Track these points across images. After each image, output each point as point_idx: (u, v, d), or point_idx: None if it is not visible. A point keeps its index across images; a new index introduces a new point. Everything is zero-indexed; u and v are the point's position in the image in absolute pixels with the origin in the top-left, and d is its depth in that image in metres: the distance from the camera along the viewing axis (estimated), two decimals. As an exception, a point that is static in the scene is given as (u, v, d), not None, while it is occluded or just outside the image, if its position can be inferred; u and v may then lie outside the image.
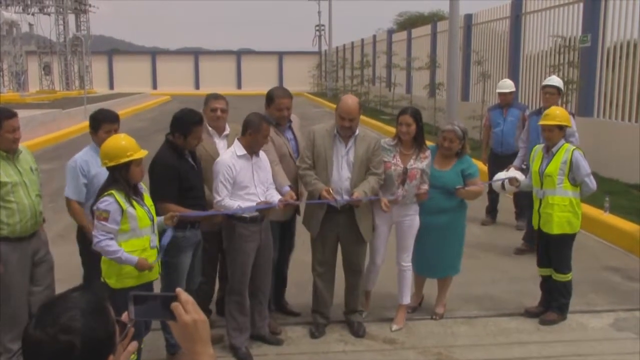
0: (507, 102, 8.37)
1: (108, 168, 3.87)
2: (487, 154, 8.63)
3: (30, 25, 38.41)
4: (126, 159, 3.81)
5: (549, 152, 5.46)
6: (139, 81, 49.33)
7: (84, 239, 4.49)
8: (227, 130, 5.10)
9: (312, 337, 5.14)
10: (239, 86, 51.75)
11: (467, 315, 5.61)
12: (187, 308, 1.63)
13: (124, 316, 1.63)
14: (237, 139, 4.68)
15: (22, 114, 20.74)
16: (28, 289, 4.41)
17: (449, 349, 4.98)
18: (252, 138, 4.58)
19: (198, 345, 1.63)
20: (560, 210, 5.32)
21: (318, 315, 5.25)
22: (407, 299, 5.46)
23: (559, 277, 5.45)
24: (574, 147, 5.47)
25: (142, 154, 3.89)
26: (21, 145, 4.43)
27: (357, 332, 5.19)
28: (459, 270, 5.62)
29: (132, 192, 3.90)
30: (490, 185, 6.50)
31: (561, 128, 5.41)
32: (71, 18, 40.42)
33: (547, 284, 5.59)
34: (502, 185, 5.75)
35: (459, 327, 5.38)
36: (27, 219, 4.28)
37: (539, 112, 7.09)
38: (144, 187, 4.11)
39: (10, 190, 4.19)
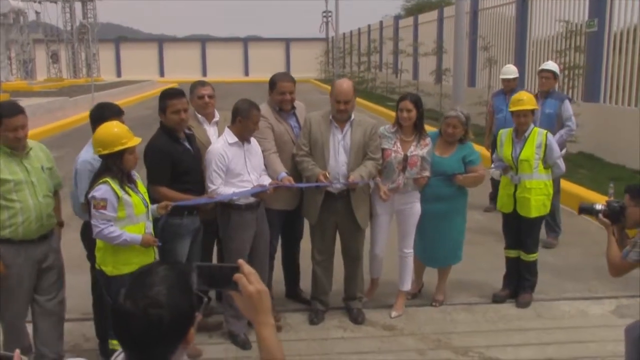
0: (510, 88, 8.30)
1: (101, 156, 3.85)
2: (490, 140, 8.58)
3: (37, 13, 38.46)
4: (120, 147, 3.79)
5: (520, 137, 5.45)
6: (146, 69, 49.39)
7: (90, 237, 4.06)
8: (217, 117, 5.08)
9: (311, 324, 5.15)
10: (246, 73, 51.70)
11: (467, 302, 5.60)
12: (250, 279, 1.70)
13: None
14: (228, 126, 4.66)
15: (29, 102, 20.98)
16: (31, 298, 4.17)
17: (448, 335, 4.97)
18: (242, 125, 4.56)
19: (261, 315, 1.71)
20: (537, 194, 5.39)
21: (317, 302, 5.26)
22: (407, 286, 5.45)
23: (529, 257, 5.55)
24: (545, 131, 5.52)
25: (135, 141, 3.87)
26: (35, 143, 4.18)
27: (357, 318, 5.19)
28: (460, 259, 5.59)
29: (125, 180, 3.90)
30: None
31: (532, 112, 5.49)
32: (78, 6, 40.42)
33: (513, 266, 5.63)
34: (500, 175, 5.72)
35: (458, 314, 5.38)
36: (32, 221, 4.00)
37: (535, 97, 7.04)
38: (137, 174, 4.10)
39: (13, 189, 3.90)
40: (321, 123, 4.97)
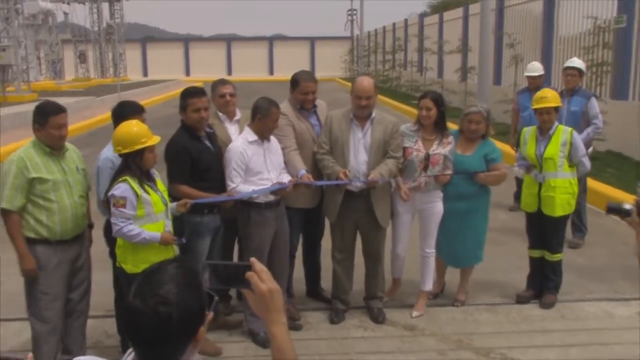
0: (536, 85, 8.16)
1: (121, 155, 3.88)
2: (515, 138, 8.45)
3: (66, 14, 39.02)
4: (140, 146, 3.81)
5: (544, 135, 5.36)
6: (172, 68, 49.77)
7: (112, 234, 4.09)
8: (238, 115, 5.08)
9: (332, 323, 5.13)
10: (271, 72, 51.82)
11: (490, 303, 5.53)
12: (262, 277, 1.69)
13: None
14: (247, 125, 4.67)
15: (57, 101, 21.21)
16: (66, 296, 4.19)
17: (470, 336, 4.92)
18: (262, 123, 4.55)
19: (273, 314, 1.71)
20: (562, 193, 5.30)
21: (337, 301, 5.24)
22: (428, 286, 5.41)
23: (554, 257, 5.45)
24: (570, 128, 5.43)
25: (155, 140, 3.89)
26: (69, 144, 4.21)
27: (377, 318, 5.16)
28: (481, 259, 5.52)
29: (145, 178, 3.92)
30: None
31: (556, 109, 5.38)
32: (105, 6, 40.84)
33: (537, 266, 5.54)
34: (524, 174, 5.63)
35: (480, 314, 5.31)
36: (68, 220, 4.05)
37: (561, 95, 6.91)
38: (156, 172, 4.12)
39: (52, 189, 3.94)
40: (342, 121, 4.94)
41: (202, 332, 1.62)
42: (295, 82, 5.11)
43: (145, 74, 50.82)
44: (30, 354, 1.70)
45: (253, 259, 1.74)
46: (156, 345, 1.56)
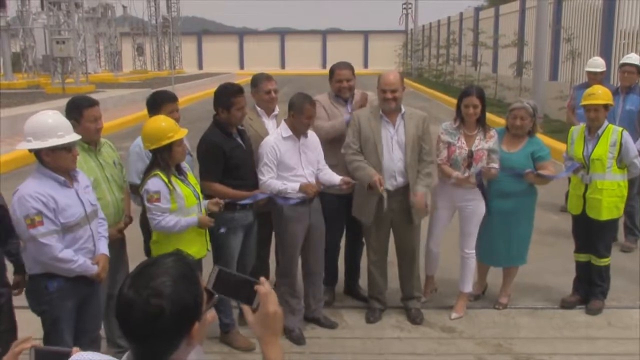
0: (596, 82, 7.80)
1: (151, 151, 3.89)
2: (569, 136, 8.16)
3: (124, 7, 39.99)
4: (167, 141, 3.79)
5: (592, 134, 5.11)
6: (226, 61, 50.39)
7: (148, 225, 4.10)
8: (277, 111, 5.02)
9: (368, 322, 5.05)
10: (324, 66, 51.75)
11: (533, 306, 5.34)
12: (270, 299, 1.73)
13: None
14: (284, 120, 4.63)
15: (113, 93, 21.68)
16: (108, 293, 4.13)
17: (510, 340, 4.76)
18: (295, 120, 4.51)
19: (271, 336, 1.74)
20: (609, 195, 5.04)
21: (374, 301, 5.15)
22: (468, 287, 5.26)
23: (601, 262, 5.20)
24: (621, 128, 5.15)
25: (182, 134, 3.87)
26: (103, 138, 4.18)
27: (415, 318, 5.06)
28: (525, 261, 5.33)
29: (175, 172, 3.92)
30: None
31: (606, 107, 5.09)
32: None
33: (584, 270, 5.31)
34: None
35: (522, 318, 5.14)
36: (111, 217, 3.99)
37: (616, 92, 6.60)
38: (187, 166, 4.12)
39: (94, 186, 3.83)
40: (371, 119, 4.82)
41: (197, 329, 1.58)
42: (331, 71, 5.16)
43: (200, 66, 51.60)
44: (77, 348, 1.73)
45: (263, 279, 1.77)
46: (147, 339, 1.53)
